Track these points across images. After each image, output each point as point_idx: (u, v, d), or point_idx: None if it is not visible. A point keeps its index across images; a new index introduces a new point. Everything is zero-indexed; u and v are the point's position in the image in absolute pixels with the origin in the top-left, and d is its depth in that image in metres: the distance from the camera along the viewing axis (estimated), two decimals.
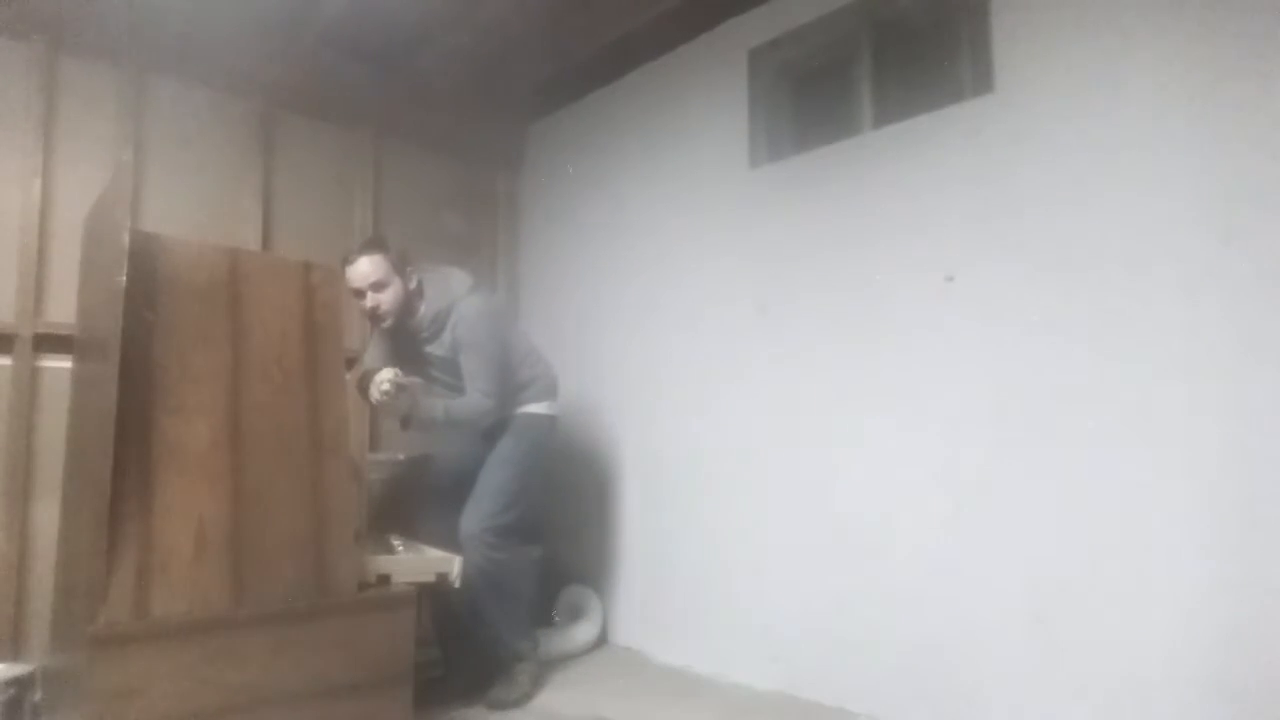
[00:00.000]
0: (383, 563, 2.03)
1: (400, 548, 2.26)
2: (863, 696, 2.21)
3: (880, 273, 2.28)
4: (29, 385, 2.35)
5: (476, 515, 2.34)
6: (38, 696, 2.06)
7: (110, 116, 2.56)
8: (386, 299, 2.29)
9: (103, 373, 1.70)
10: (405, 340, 2.42)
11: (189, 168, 2.73)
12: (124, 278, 1.65)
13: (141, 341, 1.73)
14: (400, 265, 2.32)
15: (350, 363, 2.97)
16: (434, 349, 2.39)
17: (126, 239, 1.68)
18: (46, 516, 2.27)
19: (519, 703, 2.34)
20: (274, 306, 1.95)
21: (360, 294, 2.30)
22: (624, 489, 3.05)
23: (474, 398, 2.32)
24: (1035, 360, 1.96)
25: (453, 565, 2.11)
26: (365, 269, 2.27)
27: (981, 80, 2.12)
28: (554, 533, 3.27)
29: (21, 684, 2.05)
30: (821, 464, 2.40)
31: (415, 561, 2.13)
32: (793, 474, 2.47)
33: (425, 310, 2.36)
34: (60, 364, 2.35)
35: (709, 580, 2.70)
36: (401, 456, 2.92)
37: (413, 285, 2.34)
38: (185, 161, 2.72)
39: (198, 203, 2.73)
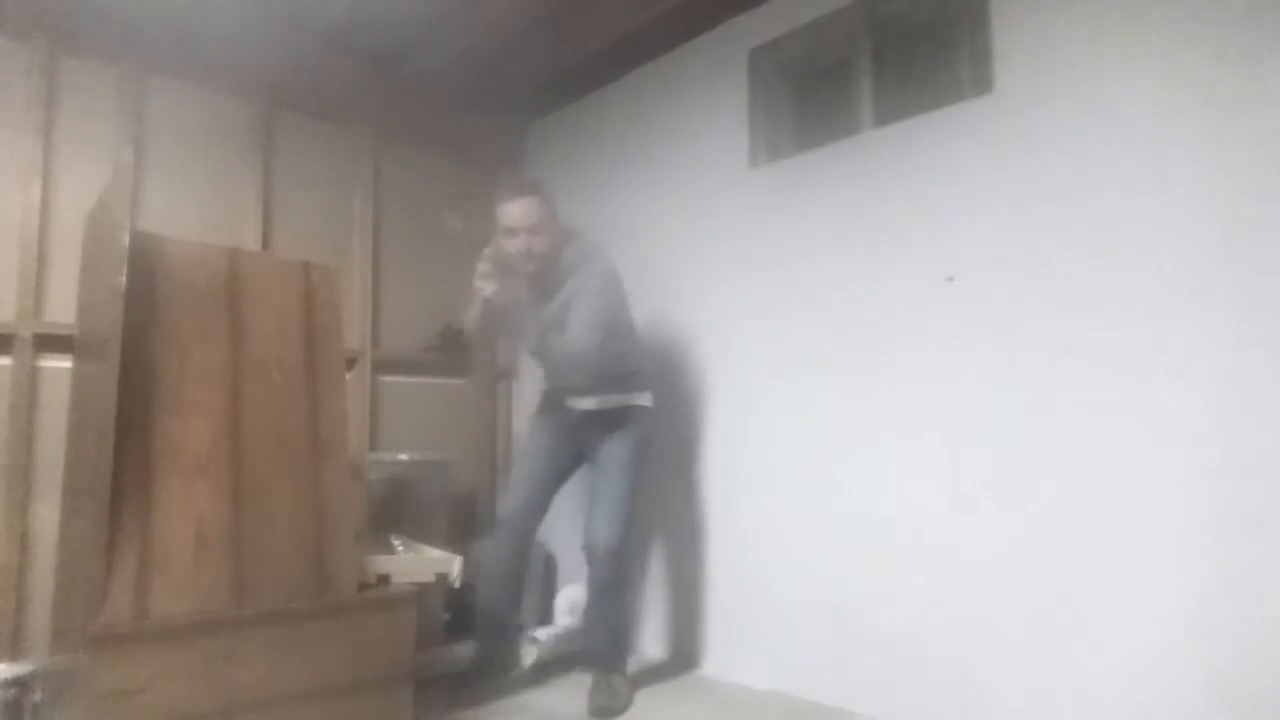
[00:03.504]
0: (383, 563, 2.03)
1: (400, 548, 2.26)
2: (863, 696, 2.21)
3: (880, 273, 2.28)
4: (29, 385, 2.34)
5: (607, 528, 2.26)
6: (38, 696, 2.06)
7: (110, 116, 2.56)
8: (539, 244, 2.22)
9: (103, 373, 1.70)
10: (524, 293, 2.32)
11: (189, 168, 2.73)
12: (124, 278, 1.66)
13: (141, 341, 1.73)
14: (555, 215, 2.27)
15: (350, 363, 2.99)
16: (551, 306, 2.27)
17: (126, 239, 1.68)
18: (46, 517, 2.26)
19: (623, 710, 2.28)
20: (274, 306, 1.96)
21: (513, 233, 2.22)
22: None
23: (570, 338, 2.18)
24: (1036, 360, 1.96)
25: (452, 565, 2.11)
26: (526, 210, 2.21)
27: (981, 80, 2.12)
28: (554, 531, 3.27)
29: (21, 684, 2.05)
30: (821, 463, 2.39)
31: (415, 561, 2.13)
32: (792, 473, 2.47)
33: (564, 263, 2.27)
34: (60, 364, 2.35)
35: (709, 580, 2.69)
36: (403, 456, 2.92)
37: (560, 238, 2.28)
38: (185, 161, 2.72)
39: (198, 203, 2.73)
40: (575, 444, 2.42)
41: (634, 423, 2.39)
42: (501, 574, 2.43)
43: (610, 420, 2.36)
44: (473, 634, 2.50)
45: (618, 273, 2.35)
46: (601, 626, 2.38)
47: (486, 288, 2.16)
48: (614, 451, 2.34)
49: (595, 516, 2.30)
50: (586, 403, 2.39)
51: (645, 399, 2.44)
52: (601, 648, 2.39)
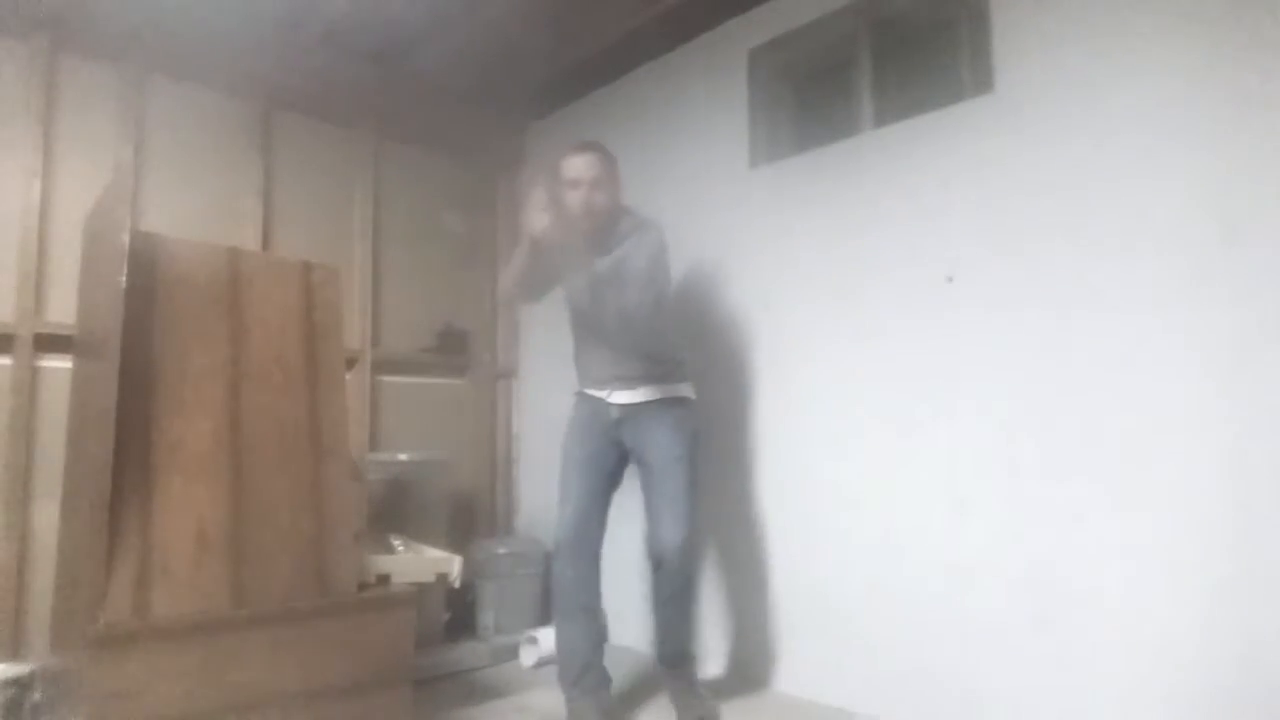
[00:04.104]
0: (383, 563, 2.03)
1: (400, 548, 2.26)
2: (863, 697, 2.21)
3: (880, 273, 2.28)
4: (29, 385, 2.35)
5: (674, 528, 2.17)
6: (38, 696, 2.06)
7: (110, 116, 2.57)
8: (600, 198, 2.16)
9: (103, 373, 1.70)
10: (575, 253, 2.23)
11: (189, 168, 2.73)
12: (124, 278, 1.66)
13: (141, 341, 1.73)
14: (617, 175, 2.24)
15: (350, 363, 2.99)
16: (604, 263, 2.17)
17: (126, 239, 1.68)
18: (46, 517, 2.26)
19: (716, 713, 2.22)
20: (274, 306, 1.96)
21: (575, 185, 2.15)
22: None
23: (625, 294, 2.10)
24: (1036, 360, 1.95)
25: (453, 565, 2.11)
26: (590, 162, 2.16)
27: (981, 80, 2.12)
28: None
29: (21, 684, 2.05)
30: (821, 463, 2.39)
31: (415, 561, 2.13)
32: (791, 473, 2.47)
33: (620, 228, 2.22)
34: (60, 364, 2.35)
35: (707, 580, 2.69)
36: (403, 456, 2.92)
37: (620, 199, 2.25)
38: (185, 161, 2.72)
39: (198, 203, 2.73)
40: (618, 447, 2.26)
41: (679, 415, 2.25)
42: (578, 606, 2.21)
43: (653, 414, 2.22)
44: (562, 684, 2.20)
45: (668, 247, 2.27)
46: (677, 633, 2.28)
47: (538, 222, 2.05)
48: (665, 447, 2.20)
49: (660, 518, 2.19)
50: (624, 396, 2.23)
51: (688, 390, 2.30)
52: (680, 655, 2.29)
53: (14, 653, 2.22)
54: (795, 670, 2.41)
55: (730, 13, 2.72)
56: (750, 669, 2.52)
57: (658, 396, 2.23)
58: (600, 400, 2.28)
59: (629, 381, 2.24)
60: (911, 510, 2.17)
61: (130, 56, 2.59)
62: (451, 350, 3.35)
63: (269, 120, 2.91)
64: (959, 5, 2.20)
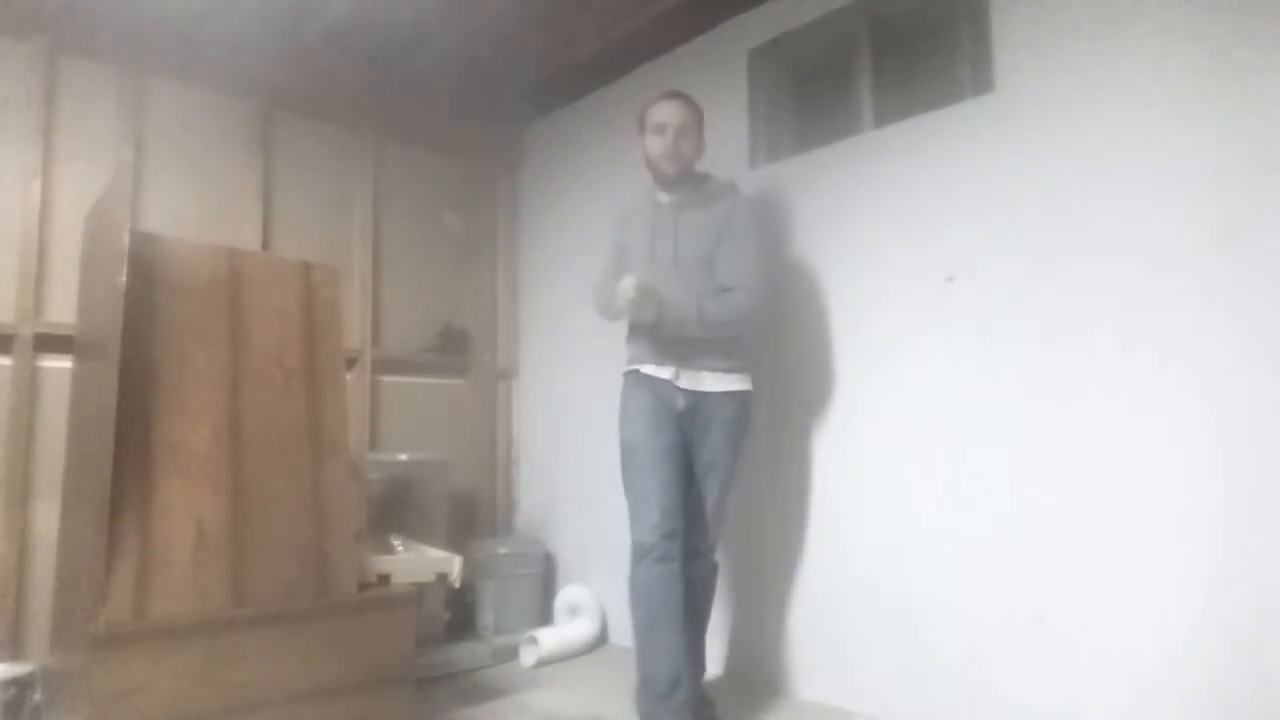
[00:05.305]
0: (383, 563, 2.03)
1: (400, 548, 2.26)
2: (863, 696, 2.21)
3: (880, 273, 2.28)
4: (29, 385, 2.35)
5: (714, 530, 2.18)
6: (38, 696, 2.06)
7: (110, 116, 2.56)
8: (686, 146, 2.17)
9: (102, 373, 1.70)
10: (655, 209, 2.21)
11: (189, 168, 2.73)
12: (124, 278, 1.66)
13: (141, 341, 1.73)
14: (702, 127, 2.23)
15: (350, 363, 2.99)
16: (694, 216, 2.15)
17: (126, 239, 1.69)
18: (46, 516, 2.26)
19: (718, 715, 2.20)
20: (274, 306, 1.96)
21: (661, 129, 2.15)
22: (618, 489, 3.04)
23: (737, 295, 2.07)
24: (1035, 359, 1.96)
25: (453, 565, 2.12)
26: (679, 108, 2.17)
27: (981, 80, 2.12)
28: (554, 531, 3.28)
29: (21, 684, 2.05)
30: (819, 463, 2.40)
31: (415, 561, 2.13)
32: (788, 472, 2.47)
33: (713, 182, 2.21)
34: (60, 364, 2.35)
35: None
36: (403, 456, 2.92)
37: (703, 151, 2.25)
38: (185, 161, 2.72)
39: (198, 203, 2.73)
40: (684, 435, 2.13)
41: (735, 414, 2.15)
42: (668, 614, 2.00)
43: (714, 409, 2.12)
44: (642, 702, 2.00)
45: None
46: (695, 627, 2.16)
47: (629, 308, 2.04)
48: (716, 450, 2.13)
49: (703, 516, 2.15)
50: (690, 382, 2.11)
51: (747, 382, 2.19)
52: (699, 657, 2.20)
53: (14, 653, 2.22)
54: (794, 670, 2.41)
55: (730, 13, 2.72)
56: (749, 669, 2.52)
57: (721, 389, 2.13)
58: (666, 384, 2.12)
59: (695, 365, 2.12)
60: (912, 510, 2.17)
61: (130, 56, 2.59)
62: (451, 350, 3.35)
63: (269, 120, 2.91)
64: (959, 5, 2.20)
